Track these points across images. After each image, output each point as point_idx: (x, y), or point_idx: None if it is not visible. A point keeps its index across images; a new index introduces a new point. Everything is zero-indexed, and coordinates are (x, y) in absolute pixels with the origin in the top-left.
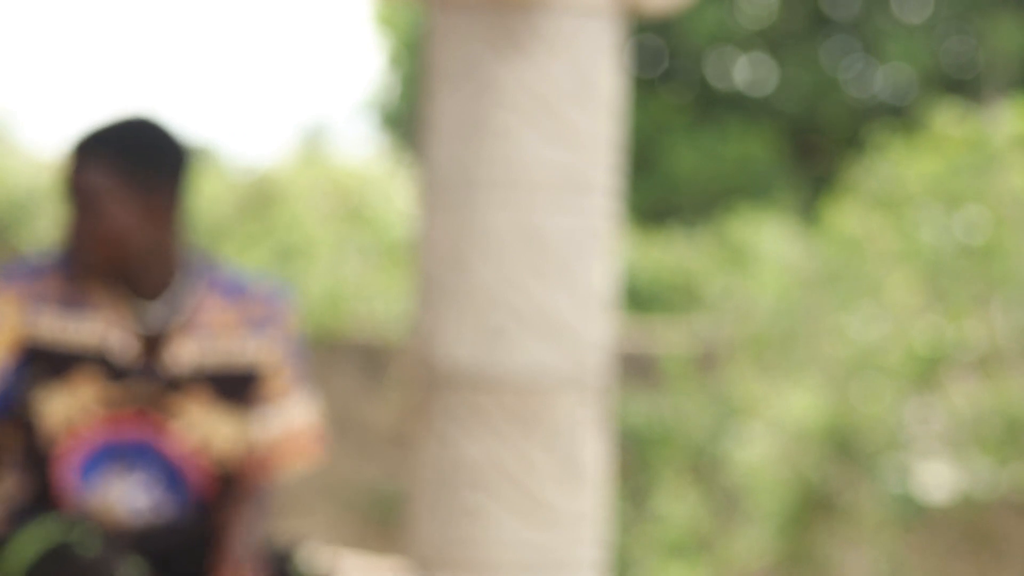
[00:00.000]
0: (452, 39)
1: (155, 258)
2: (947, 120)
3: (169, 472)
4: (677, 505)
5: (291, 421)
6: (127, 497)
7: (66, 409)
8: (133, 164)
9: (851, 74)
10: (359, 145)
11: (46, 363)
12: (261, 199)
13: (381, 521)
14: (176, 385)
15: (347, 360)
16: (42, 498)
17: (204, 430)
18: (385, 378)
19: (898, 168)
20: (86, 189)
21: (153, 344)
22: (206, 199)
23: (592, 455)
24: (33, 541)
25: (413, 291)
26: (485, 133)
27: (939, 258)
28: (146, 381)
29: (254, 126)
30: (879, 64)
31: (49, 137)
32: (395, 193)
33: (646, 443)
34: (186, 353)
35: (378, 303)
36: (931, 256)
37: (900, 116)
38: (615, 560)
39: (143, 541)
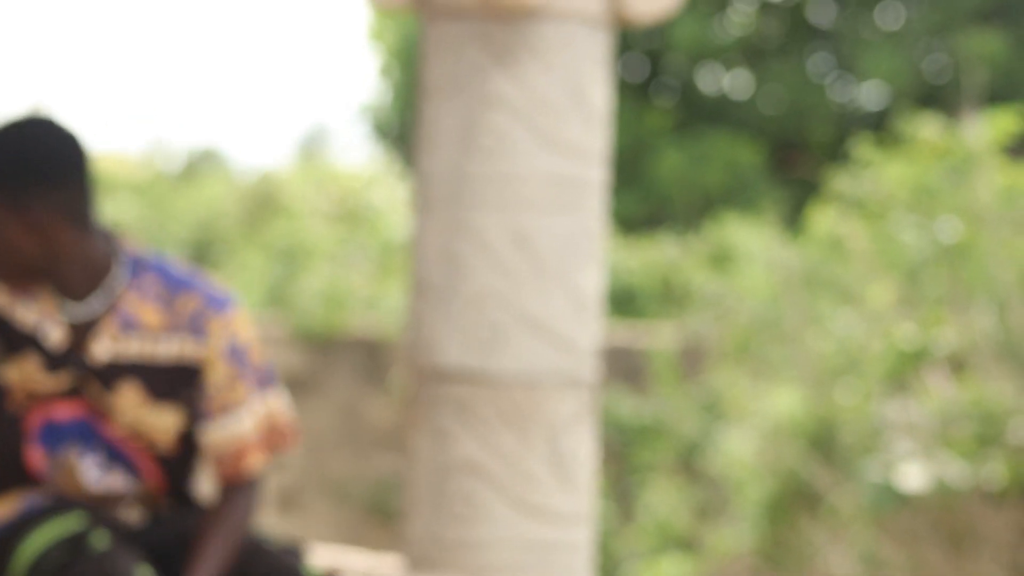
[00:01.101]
0: (446, 48)
1: (65, 265)
2: (925, 130)
3: (110, 451)
4: (665, 501)
5: (248, 424)
6: (86, 471)
7: (21, 384)
8: None
9: (833, 85)
10: (357, 150)
11: (3, 337)
12: (263, 201)
13: (381, 518)
14: (101, 376)
15: (347, 359)
16: (13, 467)
17: (132, 420)
18: (385, 377)
19: (878, 176)
20: None
21: (80, 335)
22: (211, 201)
23: (583, 454)
24: (50, 534)
25: (409, 292)
26: (478, 139)
27: (917, 262)
28: (75, 369)
29: (258, 132)
30: (860, 75)
31: None
32: (392, 197)
33: (634, 441)
34: (107, 345)
35: (378, 303)
36: (909, 260)
37: (880, 126)
38: (605, 556)
39: (142, 536)
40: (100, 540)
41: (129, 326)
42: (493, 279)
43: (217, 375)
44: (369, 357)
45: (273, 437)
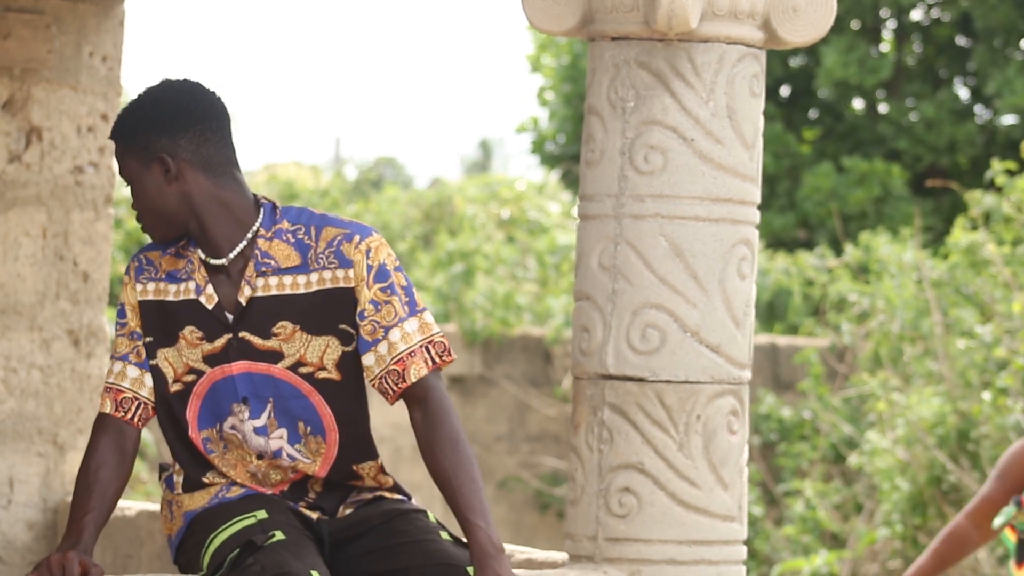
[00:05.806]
0: (610, 69)
1: (206, 216)
2: None
3: (282, 391)
4: (814, 497)
5: (403, 340)
6: (253, 426)
7: (181, 358)
8: (116, 138)
9: (977, 111)
10: (520, 164)
11: (160, 324)
12: (438, 208)
13: (546, 515)
14: (253, 325)
15: (516, 362)
16: (184, 445)
17: (294, 353)
18: (551, 379)
19: (1016, 196)
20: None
21: (228, 289)
22: (391, 207)
23: (737, 453)
24: (231, 530)
25: (575, 299)
26: (642, 154)
27: None
28: (228, 325)
29: (434, 144)
30: (1003, 102)
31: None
32: (556, 208)
33: (786, 440)
34: (247, 291)
35: (545, 309)
36: None
37: (1020, 150)
38: (758, 549)
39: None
40: (275, 536)
41: (264, 267)
42: (653, 288)
43: (368, 298)
44: (536, 360)
45: (431, 351)
